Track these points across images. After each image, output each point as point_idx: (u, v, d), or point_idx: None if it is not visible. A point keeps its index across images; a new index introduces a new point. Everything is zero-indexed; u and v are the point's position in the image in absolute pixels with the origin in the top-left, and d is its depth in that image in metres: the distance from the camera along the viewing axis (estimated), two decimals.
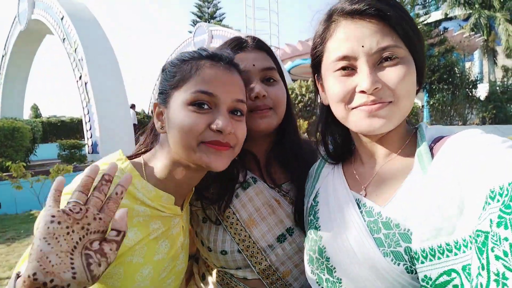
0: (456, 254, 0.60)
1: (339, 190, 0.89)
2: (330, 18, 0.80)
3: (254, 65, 1.12)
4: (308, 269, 0.90)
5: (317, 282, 0.86)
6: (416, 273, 0.68)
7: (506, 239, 0.48)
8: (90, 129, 10.82)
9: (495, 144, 0.62)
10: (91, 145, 10.90)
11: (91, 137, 10.87)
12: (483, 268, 0.51)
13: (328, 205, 0.90)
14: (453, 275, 0.60)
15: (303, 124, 10.17)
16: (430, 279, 0.63)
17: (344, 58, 0.76)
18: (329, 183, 0.95)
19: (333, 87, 0.79)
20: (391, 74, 0.73)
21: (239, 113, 0.97)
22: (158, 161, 1.00)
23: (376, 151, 0.86)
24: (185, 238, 1.11)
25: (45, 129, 13.93)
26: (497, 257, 0.48)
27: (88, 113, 10.79)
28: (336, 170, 0.97)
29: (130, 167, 0.96)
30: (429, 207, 0.65)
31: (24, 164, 8.26)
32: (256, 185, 1.18)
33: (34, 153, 11.09)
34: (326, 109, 0.91)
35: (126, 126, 11.18)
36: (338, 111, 0.81)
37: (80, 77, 10.87)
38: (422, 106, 19.45)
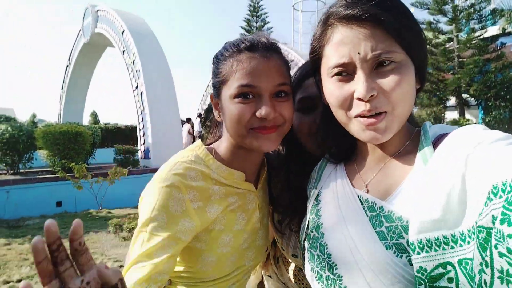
0: (452, 248, 0.60)
1: (342, 188, 0.89)
2: (326, 22, 0.79)
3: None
4: (307, 266, 0.89)
5: (316, 280, 0.86)
6: None
7: (510, 236, 0.47)
8: (143, 135, 11.43)
9: (498, 140, 0.61)
10: (144, 151, 11.49)
11: (144, 143, 11.48)
12: (486, 265, 0.51)
13: (331, 203, 0.89)
14: (449, 268, 0.60)
15: None
16: (426, 270, 0.63)
17: (341, 65, 0.76)
18: (331, 182, 0.95)
19: (332, 93, 0.79)
20: (388, 80, 0.72)
21: (283, 94, 1.02)
22: (224, 145, 1.10)
23: (378, 151, 0.87)
24: (263, 216, 1.19)
25: (103, 135, 14.84)
26: (501, 254, 0.48)
27: (142, 120, 11.42)
28: (339, 169, 0.96)
29: (206, 152, 1.07)
30: (429, 199, 0.64)
31: (86, 166, 8.90)
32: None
33: (93, 156, 11.90)
34: (328, 109, 0.90)
35: (176, 134, 11.70)
36: (340, 116, 0.81)
37: (137, 87, 11.55)
38: (476, 123, 18.54)
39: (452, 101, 19.57)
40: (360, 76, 0.73)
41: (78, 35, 16.28)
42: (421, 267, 0.63)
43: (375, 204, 0.79)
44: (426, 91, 17.92)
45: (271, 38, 1.07)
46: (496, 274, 0.49)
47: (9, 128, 9.59)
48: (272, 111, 0.98)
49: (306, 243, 0.93)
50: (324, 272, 0.83)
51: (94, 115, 25.00)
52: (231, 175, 1.08)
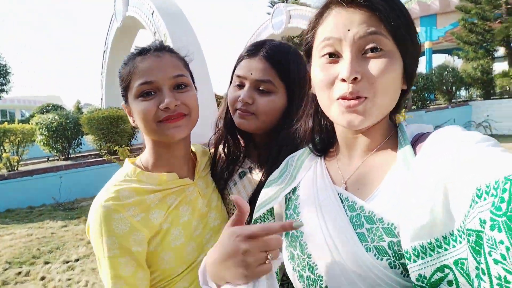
0: (446, 250, 0.60)
1: (322, 184, 0.88)
2: (325, 6, 0.80)
3: (251, 73, 1.23)
4: (289, 266, 0.87)
5: (298, 279, 0.84)
6: (399, 268, 0.68)
7: (501, 242, 0.47)
8: None
9: (479, 142, 0.62)
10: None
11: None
12: (483, 273, 0.51)
13: (310, 200, 0.87)
14: (446, 271, 0.60)
15: None
16: (425, 277, 0.62)
17: (329, 40, 0.75)
18: (310, 176, 0.93)
19: (318, 74, 0.79)
20: (373, 66, 0.72)
21: (183, 86, 1.12)
22: (147, 152, 1.19)
23: (357, 145, 0.86)
24: (210, 200, 1.27)
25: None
26: (496, 261, 0.48)
27: None
28: (319, 163, 0.95)
29: (133, 168, 1.14)
30: (415, 204, 0.64)
31: (128, 148, 9.34)
32: (251, 174, 1.32)
33: (135, 137, 12.42)
34: (314, 98, 0.91)
35: (212, 110, 11.87)
36: (323, 100, 0.80)
37: None
38: None
39: (501, 51, 18.15)
40: (346, 56, 0.73)
41: (111, 20, 16.62)
42: (420, 275, 0.63)
43: (355, 203, 0.78)
44: (471, 43, 16.73)
45: (163, 43, 1.17)
46: (495, 281, 0.49)
47: (56, 117, 10.19)
48: (174, 101, 1.07)
49: (284, 241, 0.90)
50: (305, 272, 0.81)
51: None
52: (163, 180, 1.14)
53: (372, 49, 0.73)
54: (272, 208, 0.99)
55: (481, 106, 15.42)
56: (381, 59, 0.72)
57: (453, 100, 17.91)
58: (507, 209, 0.48)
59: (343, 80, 0.73)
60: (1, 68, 25.74)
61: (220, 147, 1.40)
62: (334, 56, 0.76)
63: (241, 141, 1.39)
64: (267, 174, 1.21)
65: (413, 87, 16.82)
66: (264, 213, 0.98)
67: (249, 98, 1.23)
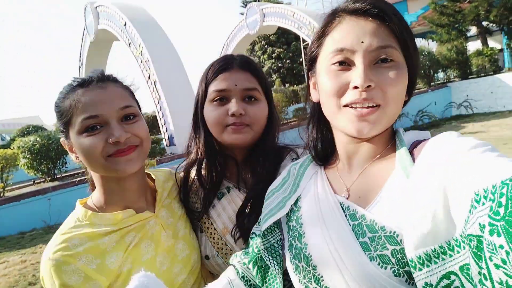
0: (451, 256, 0.60)
1: (323, 194, 0.87)
2: (333, 15, 0.81)
3: (236, 85, 1.20)
4: (295, 278, 0.86)
5: None
6: (403, 276, 0.68)
7: (501, 246, 0.47)
8: (164, 124, 11.62)
9: (475, 147, 0.63)
10: (168, 139, 11.72)
11: (166, 131, 11.68)
12: (486, 278, 0.51)
13: (312, 211, 0.87)
14: (452, 277, 0.60)
15: None
16: (431, 285, 0.62)
17: (342, 51, 0.76)
18: (312, 187, 0.93)
19: (327, 81, 0.79)
20: (386, 76, 0.73)
21: (131, 117, 1.05)
22: (97, 189, 1.10)
23: (359, 154, 0.86)
24: (176, 230, 1.19)
25: None
26: (497, 266, 0.48)
27: (161, 109, 11.57)
28: (320, 173, 0.95)
29: (84, 210, 1.06)
30: (416, 213, 0.64)
31: None
32: (229, 195, 1.26)
33: None
34: (317, 107, 0.91)
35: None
36: (329, 107, 0.80)
37: (149, 77, 11.63)
38: (501, 49, 17.57)
39: (473, 31, 18.54)
40: (359, 65, 0.74)
41: (83, 35, 16.38)
42: (426, 283, 0.62)
43: (357, 212, 0.78)
44: (444, 25, 17.05)
45: (104, 73, 1.09)
46: (497, 286, 0.49)
47: (38, 139, 9.99)
48: (124, 134, 1.00)
49: (288, 253, 0.90)
50: (311, 284, 0.81)
51: None
52: (118, 219, 1.06)
53: (383, 60, 0.74)
54: (279, 219, 0.96)
55: (459, 87, 15.72)
56: (393, 70, 0.74)
57: (432, 83, 18.21)
58: (505, 213, 0.48)
59: (355, 88, 0.74)
60: None
61: (193, 172, 1.32)
62: (345, 64, 0.77)
63: (219, 166, 1.31)
64: (253, 190, 1.20)
65: None
66: (271, 226, 0.96)
67: (242, 109, 1.18)
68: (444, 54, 16.61)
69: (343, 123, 0.78)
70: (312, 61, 0.88)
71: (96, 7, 14.24)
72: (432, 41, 19.62)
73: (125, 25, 12.31)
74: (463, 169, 0.59)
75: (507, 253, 0.47)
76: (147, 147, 1.09)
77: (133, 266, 1.04)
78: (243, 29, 18.73)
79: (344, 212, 0.81)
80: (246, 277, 1.01)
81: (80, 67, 17.60)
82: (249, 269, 1.01)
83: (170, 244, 1.15)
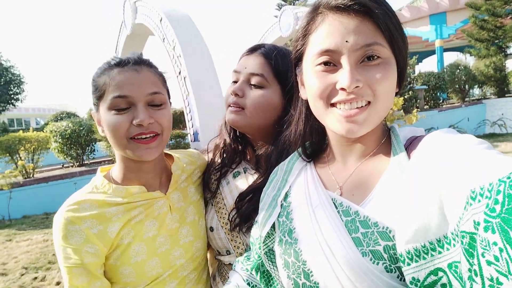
0: (440, 253, 0.60)
1: (314, 190, 0.86)
2: (316, 11, 0.77)
3: (245, 68, 1.24)
4: (283, 273, 0.85)
5: (293, 287, 0.82)
6: (395, 272, 0.67)
7: (495, 243, 0.47)
8: (191, 119, 11.78)
9: (473, 145, 0.62)
10: (193, 134, 11.88)
11: (192, 127, 11.85)
12: (476, 274, 0.51)
13: (302, 206, 0.86)
14: (440, 274, 0.60)
15: (398, 100, 9.61)
16: (418, 280, 0.62)
17: (327, 52, 0.73)
18: (301, 182, 0.92)
19: (313, 82, 0.77)
20: (373, 74, 0.71)
21: (158, 104, 1.09)
22: (117, 163, 1.16)
23: (352, 151, 0.85)
24: (183, 215, 1.22)
25: None
26: (489, 262, 0.48)
27: (188, 105, 11.75)
28: (309, 168, 0.93)
29: (102, 180, 1.13)
30: (409, 208, 0.64)
31: None
32: (245, 174, 1.30)
33: None
34: (306, 103, 0.89)
35: (221, 115, 11.90)
36: (317, 107, 0.79)
37: (180, 72, 11.83)
38: None
39: None
40: (345, 66, 0.71)
41: (120, 28, 16.86)
42: (413, 278, 0.63)
43: (350, 208, 0.77)
44: (483, 40, 16.49)
45: (142, 56, 1.13)
46: (487, 282, 0.49)
47: (70, 124, 10.39)
48: (148, 118, 1.04)
49: (278, 249, 0.88)
50: (300, 280, 0.79)
51: None
52: (129, 193, 1.11)
53: (370, 57, 0.72)
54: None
55: (495, 104, 15.17)
56: (381, 67, 0.72)
57: (466, 99, 17.64)
58: (501, 211, 0.48)
59: (343, 89, 0.72)
60: (15, 78, 26.29)
61: (217, 154, 1.37)
62: (330, 65, 0.74)
63: (239, 145, 1.36)
64: (265, 179, 1.18)
65: (425, 86, 16.72)
66: (269, 231, 0.94)
67: (239, 90, 1.22)
68: (481, 69, 16.09)
69: (332, 123, 0.77)
70: (298, 59, 0.86)
71: (135, 1, 14.64)
72: (470, 55, 19.02)
73: (161, 20, 12.60)
74: (459, 166, 0.59)
75: (500, 250, 0.46)
76: (167, 137, 1.13)
77: (134, 241, 1.09)
78: (276, 31, 18.75)
79: (337, 208, 0.80)
80: (252, 283, 1.01)
81: None
82: (253, 275, 1.02)
83: (175, 227, 1.18)
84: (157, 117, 1.08)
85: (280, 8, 24.71)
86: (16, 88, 26.11)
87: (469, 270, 0.53)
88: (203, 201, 1.34)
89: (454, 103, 18.02)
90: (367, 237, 0.72)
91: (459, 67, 16.84)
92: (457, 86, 16.84)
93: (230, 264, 1.24)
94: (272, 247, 0.94)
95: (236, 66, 1.28)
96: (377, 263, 0.69)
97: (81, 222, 1.03)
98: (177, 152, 1.36)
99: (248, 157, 1.35)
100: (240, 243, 1.22)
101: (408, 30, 21.39)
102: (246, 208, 1.18)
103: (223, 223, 1.25)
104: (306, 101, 0.87)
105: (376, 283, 0.68)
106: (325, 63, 0.75)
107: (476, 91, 20.19)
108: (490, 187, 0.51)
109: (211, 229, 1.27)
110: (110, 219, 1.07)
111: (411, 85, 15.68)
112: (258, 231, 0.98)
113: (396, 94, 0.80)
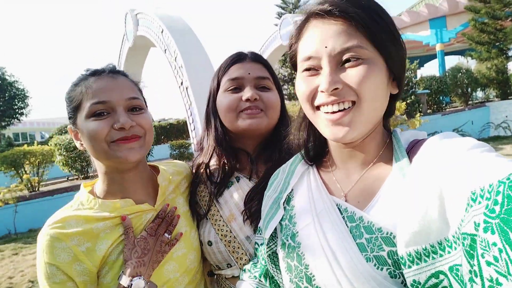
0: (441, 256, 0.60)
1: (318, 195, 0.86)
2: (304, 19, 0.80)
3: (249, 73, 1.25)
4: (286, 277, 0.85)
5: None
6: (399, 277, 0.67)
7: (494, 244, 0.48)
8: (194, 129, 11.83)
9: (473, 148, 0.62)
10: (196, 144, 11.93)
11: (195, 137, 11.89)
12: (476, 275, 0.51)
13: (306, 210, 0.86)
14: (441, 277, 0.60)
15: (400, 105, 9.58)
16: (419, 283, 0.62)
17: (309, 58, 0.76)
18: (304, 186, 0.92)
19: (300, 87, 0.80)
20: (352, 74, 0.72)
21: (138, 109, 1.09)
22: (100, 178, 1.13)
23: (352, 157, 0.85)
24: (177, 227, 1.18)
25: (158, 132, 15.69)
26: (488, 263, 0.48)
27: (191, 114, 11.80)
28: (312, 172, 0.94)
29: (87, 195, 1.11)
30: (411, 211, 0.64)
31: None
32: (238, 184, 1.28)
33: (151, 154, 12.61)
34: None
35: None
36: (306, 111, 0.82)
37: (182, 83, 11.92)
38: None
39: None
40: (325, 70, 0.74)
41: (122, 40, 17.03)
42: (414, 281, 0.63)
43: (355, 214, 0.77)
44: (484, 43, 16.50)
45: (116, 67, 1.15)
46: (487, 283, 0.49)
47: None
48: (129, 121, 1.04)
49: (281, 252, 0.89)
50: (302, 283, 0.80)
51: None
52: (116, 207, 1.08)
53: (349, 59, 0.73)
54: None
55: (499, 107, 15.10)
56: (359, 66, 0.72)
57: (470, 102, 17.59)
58: (501, 211, 0.48)
59: (323, 92, 0.74)
60: (19, 92, 26.54)
61: (204, 166, 1.33)
62: (314, 69, 0.77)
63: (233, 160, 1.32)
64: (264, 178, 1.19)
65: (427, 91, 16.70)
66: (272, 234, 0.94)
67: (256, 94, 1.22)
68: (483, 72, 16.07)
69: (321, 128, 0.80)
70: (294, 68, 0.88)
71: (136, 14, 14.82)
72: (472, 58, 19.02)
73: (162, 32, 12.72)
74: (460, 168, 0.59)
75: (500, 251, 0.47)
76: (150, 140, 1.12)
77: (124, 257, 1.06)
78: (277, 40, 18.84)
79: (342, 213, 0.80)
80: None
81: None
82: (262, 281, 1.01)
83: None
84: (138, 121, 1.07)
85: (280, 16, 24.83)
86: (20, 102, 26.33)
87: (470, 271, 0.53)
88: (192, 212, 1.30)
89: (457, 107, 17.98)
90: (371, 243, 0.72)
91: (461, 71, 16.82)
92: (459, 89, 16.81)
93: (233, 277, 1.21)
94: (275, 250, 0.93)
95: (231, 74, 1.27)
96: (381, 269, 0.69)
97: (68, 239, 0.99)
98: (162, 164, 1.34)
99: (239, 166, 1.32)
100: (242, 253, 1.19)
101: (408, 35, 21.44)
102: (256, 209, 1.16)
103: (221, 235, 1.21)
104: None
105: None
106: (309, 69, 0.78)
107: (479, 94, 20.14)
108: (490, 188, 0.51)
109: (209, 243, 1.23)
110: (98, 235, 1.04)
111: (413, 89, 15.68)
112: (260, 236, 0.99)
113: (398, 97, 0.82)
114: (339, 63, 0.74)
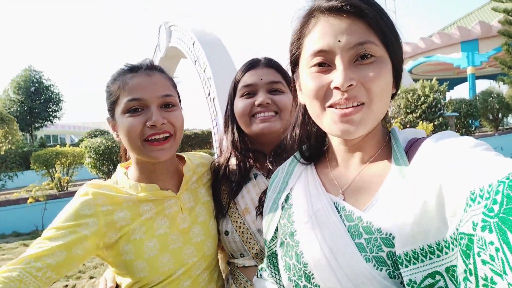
0: (438, 256, 0.60)
1: (315, 193, 0.86)
2: (309, 14, 0.78)
3: (262, 79, 1.33)
4: (284, 275, 0.84)
5: None
6: (398, 278, 0.67)
7: (491, 243, 0.47)
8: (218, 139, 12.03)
9: (472, 147, 0.62)
10: (220, 154, 12.08)
11: (219, 147, 12.07)
12: (470, 273, 0.51)
13: (304, 209, 0.85)
14: (437, 277, 0.60)
15: (427, 126, 9.42)
16: (415, 283, 0.61)
17: (320, 53, 0.74)
18: (302, 184, 0.91)
19: (308, 83, 0.77)
20: (367, 72, 0.71)
21: (170, 106, 1.15)
22: (133, 165, 1.23)
23: (353, 155, 0.84)
24: (195, 215, 1.26)
25: (182, 141, 15.96)
26: (484, 262, 0.48)
27: (216, 125, 12.02)
28: (310, 171, 0.93)
29: (122, 175, 1.22)
30: (410, 211, 0.64)
31: None
32: (256, 180, 1.35)
33: None
34: (303, 108, 0.90)
35: None
36: (313, 109, 0.79)
37: (209, 94, 12.19)
38: None
39: None
40: (339, 65, 0.72)
41: (155, 51, 17.60)
42: (410, 280, 0.62)
43: (353, 214, 0.77)
44: (511, 67, 16.09)
45: (154, 63, 1.21)
46: (481, 282, 0.49)
47: (103, 141, 10.81)
48: (161, 119, 1.10)
49: (279, 251, 0.89)
50: (301, 282, 0.79)
51: None
52: (144, 190, 1.17)
53: (363, 56, 0.72)
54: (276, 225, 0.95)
55: None
56: (374, 65, 0.72)
57: (500, 127, 17.10)
58: (500, 211, 0.48)
59: (337, 88, 0.72)
60: (54, 96, 27.71)
61: (224, 167, 1.41)
62: (325, 65, 0.75)
63: (251, 160, 1.41)
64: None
65: (456, 113, 16.34)
66: (273, 235, 0.94)
67: (268, 99, 1.30)
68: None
69: (327, 125, 0.77)
70: (295, 64, 0.86)
71: (170, 26, 15.33)
72: (504, 83, 18.55)
73: (193, 44, 13.09)
74: (459, 168, 0.59)
75: (497, 250, 0.46)
76: (179, 137, 1.19)
77: (146, 237, 1.14)
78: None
79: (339, 212, 0.79)
80: None
81: None
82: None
83: (186, 226, 1.23)
84: (169, 118, 1.13)
85: None
86: (54, 105, 27.49)
87: (465, 271, 0.53)
88: (213, 202, 1.38)
89: (486, 131, 17.50)
90: (371, 243, 0.71)
91: (492, 95, 16.44)
92: (489, 114, 16.40)
93: (244, 267, 1.31)
94: (275, 250, 0.93)
95: (245, 81, 1.35)
96: (381, 269, 0.69)
97: (96, 197, 1.10)
98: (189, 154, 1.42)
99: (258, 165, 1.40)
100: (254, 244, 1.28)
101: (439, 57, 21.17)
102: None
103: (236, 227, 1.30)
104: (304, 106, 0.89)
105: None
106: (320, 64, 0.75)
107: (511, 119, 19.54)
108: (489, 188, 0.51)
109: (226, 233, 1.32)
110: (120, 204, 1.13)
111: (442, 111, 15.40)
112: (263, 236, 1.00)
113: (393, 96, 0.81)
114: (353, 59, 0.73)
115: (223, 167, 1.40)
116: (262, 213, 1.19)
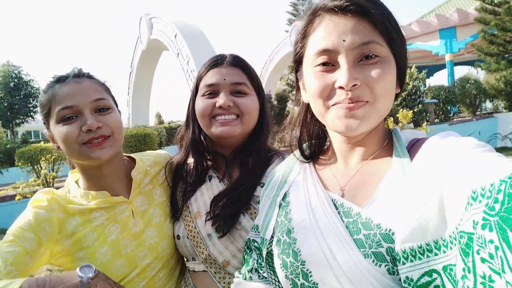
0: (436, 255, 0.60)
1: (313, 190, 0.86)
2: (313, 14, 0.78)
3: (224, 79, 1.24)
4: (281, 274, 0.83)
5: (291, 287, 0.81)
6: (398, 274, 0.66)
7: (491, 241, 0.47)
8: None
9: (474, 147, 0.62)
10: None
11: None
12: (469, 271, 0.50)
13: (301, 206, 0.85)
14: (434, 275, 0.60)
15: (407, 114, 9.63)
16: (412, 280, 0.61)
17: (325, 52, 0.74)
18: (300, 182, 0.91)
19: (313, 82, 0.77)
20: (371, 72, 0.71)
21: (105, 109, 1.14)
22: (79, 174, 1.22)
23: (354, 152, 0.84)
24: (148, 218, 1.25)
25: (168, 133, 15.98)
26: (483, 260, 0.48)
27: None
28: (309, 169, 0.93)
29: (74, 185, 1.21)
30: (410, 208, 0.64)
31: None
32: (210, 183, 1.30)
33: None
34: (306, 107, 0.91)
35: None
36: (317, 107, 0.79)
37: None
38: None
39: None
40: (343, 65, 0.72)
41: (136, 43, 17.43)
42: (407, 277, 0.62)
43: (352, 210, 0.76)
44: (493, 54, 16.58)
45: (82, 70, 1.19)
46: (479, 280, 0.48)
47: None
48: (95, 122, 1.09)
49: (276, 249, 0.88)
50: (299, 280, 0.79)
51: (159, 116, 27.02)
52: (94, 198, 1.17)
53: (368, 56, 0.72)
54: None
55: (506, 118, 15.14)
56: (378, 65, 0.72)
57: (478, 113, 17.64)
58: (500, 209, 0.48)
59: (341, 88, 0.72)
60: (35, 91, 27.14)
61: (181, 164, 1.38)
62: (329, 65, 0.75)
63: (208, 162, 1.35)
64: (236, 183, 1.24)
65: (435, 100, 16.75)
66: (272, 234, 0.93)
67: (230, 101, 1.22)
68: (492, 83, 16.14)
69: (332, 121, 0.77)
70: (298, 63, 0.87)
71: (151, 18, 15.19)
72: (481, 69, 19.07)
73: (175, 36, 13.04)
74: (461, 167, 0.59)
75: (496, 248, 0.46)
76: (119, 137, 1.18)
77: (98, 243, 1.15)
78: (287, 46, 19.08)
79: (337, 208, 0.79)
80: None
81: (130, 73, 18.62)
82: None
83: (138, 230, 1.22)
84: (105, 121, 1.12)
85: (291, 23, 25.19)
86: (35, 101, 26.92)
87: (463, 269, 0.53)
88: (169, 204, 1.35)
89: (465, 117, 18.04)
90: (369, 239, 0.71)
91: (470, 81, 16.92)
92: (468, 99, 16.89)
93: (194, 271, 1.27)
94: (271, 250, 0.92)
95: (207, 80, 1.27)
96: (380, 265, 0.68)
97: (52, 204, 1.11)
98: (142, 154, 1.40)
99: (215, 165, 1.36)
100: (204, 248, 1.22)
101: (418, 44, 21.55)
102: (225, 212, 1.19)
103: (188, 230, 1.26)
104: (306, 105, 0.89)
105: (377, 285, 0.68)
106: (324, 64, 0.75)
107: (488, 105, 20.17)
108: (491, 187, 0.51)
109: (178, 237, 1.28)
110: (72, 214, 1.15)
111: (421, 98, 15.80)
112: (259, 236, 0.98)
113: (397, 95, 0.82)
114: (357, 59, 0.73)
115: (181, 165, 1.38)
116: (212, 218, 1.21)
